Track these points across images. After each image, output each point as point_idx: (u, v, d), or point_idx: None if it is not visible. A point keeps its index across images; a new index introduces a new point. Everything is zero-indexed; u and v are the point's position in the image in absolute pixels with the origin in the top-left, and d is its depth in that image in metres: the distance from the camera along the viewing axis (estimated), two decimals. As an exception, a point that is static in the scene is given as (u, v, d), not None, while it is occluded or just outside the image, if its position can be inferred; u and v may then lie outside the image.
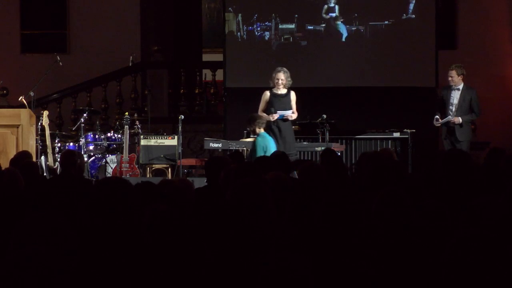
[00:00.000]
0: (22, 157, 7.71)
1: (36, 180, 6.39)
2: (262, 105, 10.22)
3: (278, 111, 10.07)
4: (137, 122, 12.42)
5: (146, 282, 3.19)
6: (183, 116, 11.75)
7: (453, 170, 5.51)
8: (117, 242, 3.32)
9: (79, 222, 3.73)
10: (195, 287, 3.28)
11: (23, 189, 5.67)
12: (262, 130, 9.96)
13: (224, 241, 3.51)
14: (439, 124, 10.61)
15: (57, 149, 11.58)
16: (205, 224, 3.92)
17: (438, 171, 5.61)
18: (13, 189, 5.56)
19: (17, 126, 9.56)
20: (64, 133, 12.86)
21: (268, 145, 9.80)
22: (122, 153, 11.73)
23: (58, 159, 10.70)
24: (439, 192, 5.26)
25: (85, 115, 12.34)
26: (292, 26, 12.68)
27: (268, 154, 9.60)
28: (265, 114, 10.14)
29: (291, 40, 12.72)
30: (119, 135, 12.16)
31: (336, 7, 12.51)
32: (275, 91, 10.24)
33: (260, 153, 9.58)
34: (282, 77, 10.17)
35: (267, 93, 10.24)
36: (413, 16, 12.44)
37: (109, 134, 12.27)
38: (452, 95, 10.62)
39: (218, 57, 13.61)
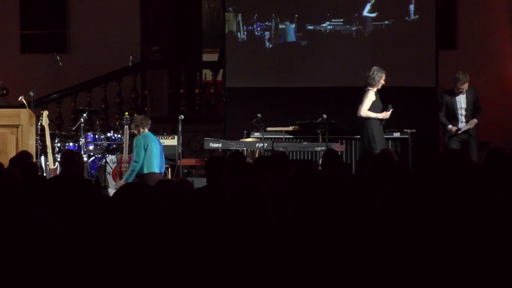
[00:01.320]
0: (21, 157, 7.71)
1: (35, 180, 6.38)
2: (369, 103, 10.37)
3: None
4: (137, 122, 12.40)
5: (145, 282, 3.18)
6: (183, 116, 11.74)
7: (453, 170, 5.50)
8: (116, 242, 3.31)
9: (72, 223, 3.72)
10: (194, 287, 3.28)
11: (21, 189, 5.66)
12: (146, 130, 10.12)
13: (223, 241, 3.50)
14: (460, 132, 10.63)
15: (57, 149, 11.58)
16: (204, 224, 3.91)
17: (438, 171, 5.61)
18: (12, 189, 5.55)
19: (17, 126, 9.56)
20: (64, 133, 12.85)
21: (150, 143, 10.03)
22: (122, 153, 11.71)
23: (58, 159, 10.71)
24: (440, 192, 5.25)
25: (85, 115, 12.33)
26: (292, 26, 12.67)
27: (150, 153, 9.94)
28: (372, 113, 10.34)
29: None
30: (119, 135, 12.15)
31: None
32: (373, 89, 10.42)
33: (141, 151, 9.90)
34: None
35: (373, 92, 10.40)
36: (413, 16, 12.43)
37: (109, 134, 12.27)
38: (458, 99, 10.66)
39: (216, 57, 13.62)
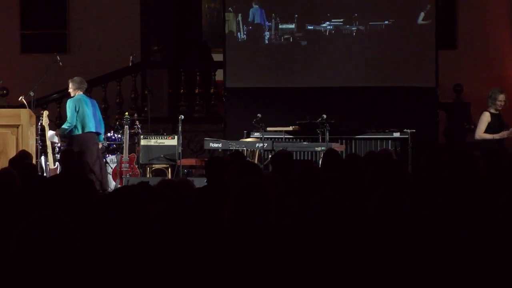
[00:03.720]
0: (20, 158, 7.71)
1: (33, 180, 6.37)
2: (484, 125, 10.24)
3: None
4: (137, 122, 12.42)
5: (148, 282, 3.18)
6: (183, 116, 11.74)
7: (460, 172, 5.48)
8: (118, 242, 3.31)
9: (81, 222, 3.72)
10: (196, 287, 3.28)
11: (20, 189, 5.65)
12: (80, 93, 10.67)
13: (227, 240, 3.51)
14: None
15: (57, 149, 11.58)
16: (205, 224, 3.91)
17: (443, 172, 5.59)
18: (10, 189, 5.54)
19: (17, 126, 9.57)
20: (64, 133, 12.85)
21: (81, 106, 10.54)
22: (122, 153, 11.73)
23: (58, 159, 10.71)
24: (443, 192, 5.25)
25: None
26: (292, 26, 12.67)
27: (83, 114, 10.51)
28: (487, 135, 10.16)
29: (291, 40, 12.71)
30: (119, 135, 12.16)
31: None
32: (489, 110, 10.31)
33: (73, 114, 10.50)
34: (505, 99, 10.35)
35: (488, 114, 10.28)
36: (414, 16, 12.43)
37: (109, 134, 12.28)
38: None
39: (218, 57, 13.60)
